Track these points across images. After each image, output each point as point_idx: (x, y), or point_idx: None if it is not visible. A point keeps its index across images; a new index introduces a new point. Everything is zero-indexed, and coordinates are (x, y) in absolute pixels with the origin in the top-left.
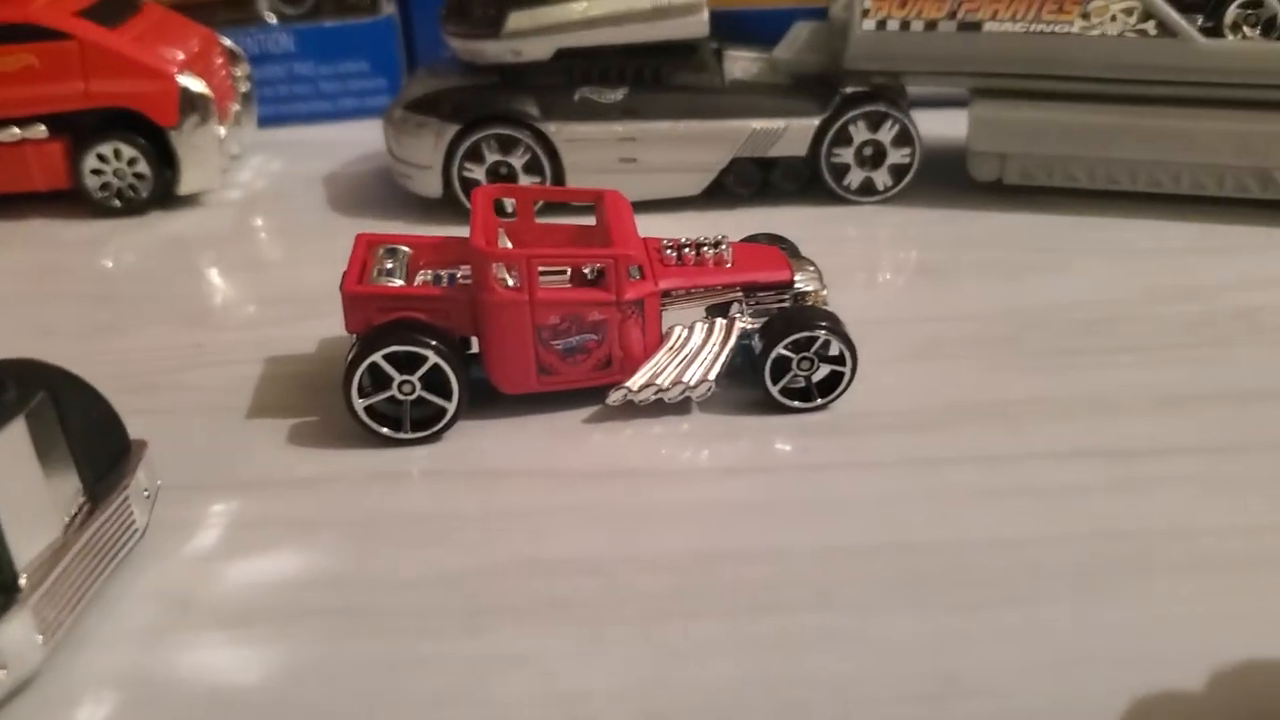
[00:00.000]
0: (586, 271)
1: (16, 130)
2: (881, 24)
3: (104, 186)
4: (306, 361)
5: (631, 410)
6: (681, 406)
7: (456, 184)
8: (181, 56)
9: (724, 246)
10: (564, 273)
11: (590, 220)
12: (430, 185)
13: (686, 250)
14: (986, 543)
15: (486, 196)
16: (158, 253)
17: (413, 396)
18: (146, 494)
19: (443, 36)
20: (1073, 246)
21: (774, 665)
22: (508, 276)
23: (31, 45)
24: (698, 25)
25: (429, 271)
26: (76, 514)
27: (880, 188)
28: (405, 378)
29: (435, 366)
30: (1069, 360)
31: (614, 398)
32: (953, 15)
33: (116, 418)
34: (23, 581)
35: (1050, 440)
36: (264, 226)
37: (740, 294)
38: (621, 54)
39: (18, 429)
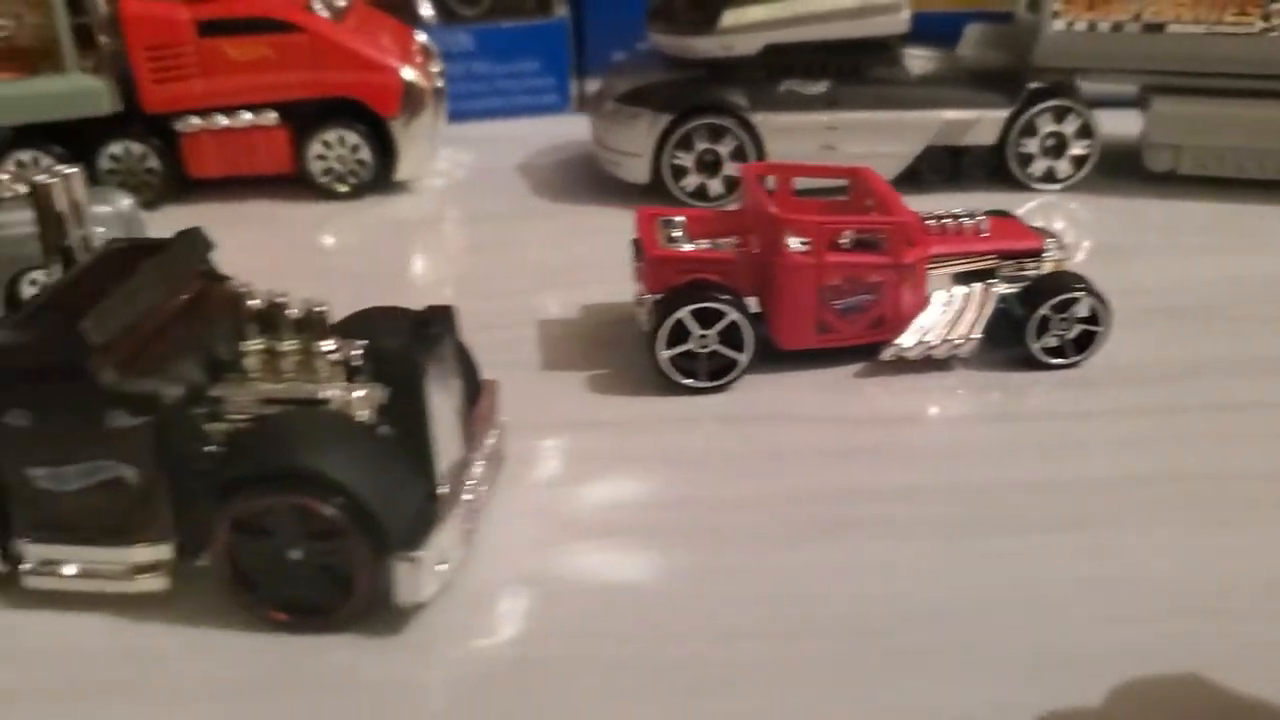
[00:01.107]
0: (843, 240)
1: (249, 116)
2: (1070, 24)
3: (326, 171)
4: (575, 324)
5: (899, 366)
6: (944, 363)
7: (666, 170)
8: (398, 50)
9: (980, 218)
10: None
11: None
12: (638, 172)
13: (946, 221)
14: (1239, 474)
15: (755, 172)
16: (386, 232)
17: (708, 350)
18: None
19: (649, 35)
20: (1252, 230)
21: (1052, 570)
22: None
23: (266, 36)
24: (899, 23)
25: (703, 240)
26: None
27: (1061, 176)
28: (703, 332)
29: (733, 323)
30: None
31: (888, 353)
32: (1137, 17)
33: (473, 358)
34: (443, 491)
35: None
36: (476, 210)
37: (996, 261)
38: (823, 49)
39: (447, 351)
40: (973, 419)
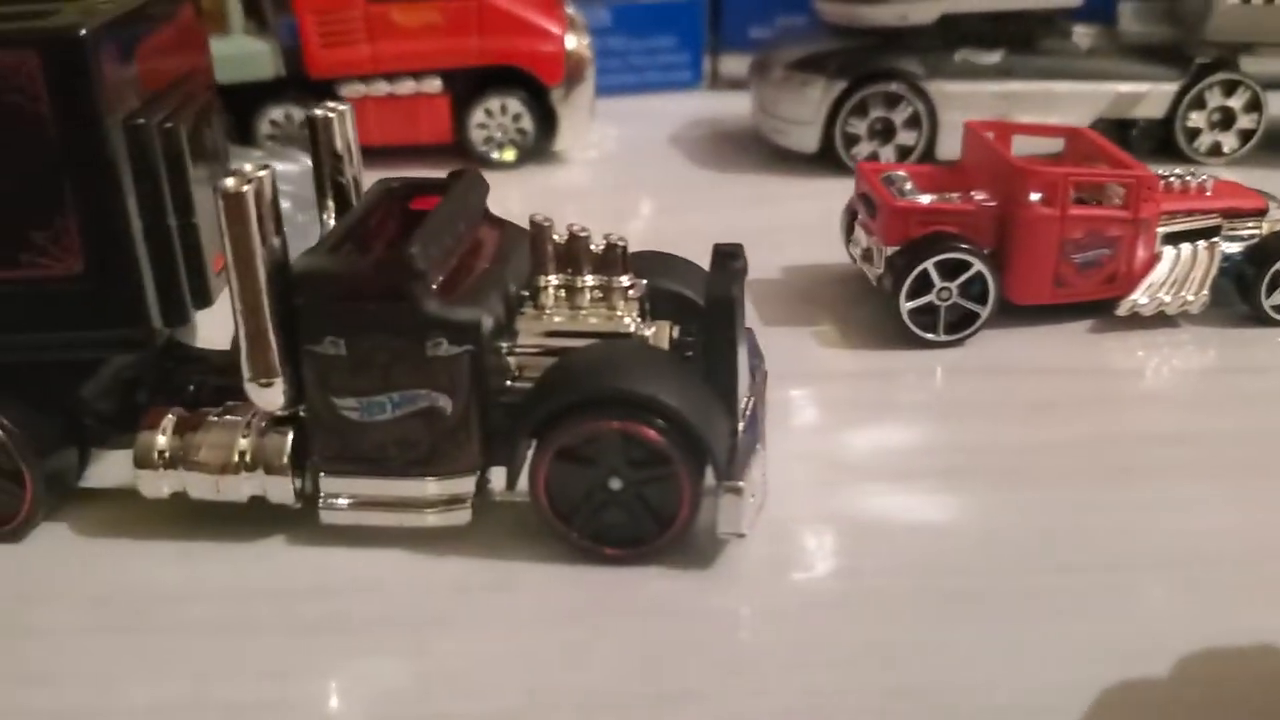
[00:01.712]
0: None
1: (412, 83)
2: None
3: (486, 140)
4: (782, 285)
5: (1130, 321)
6: (1171, 319)
7: (838, 137)
8: (556, 20)
9: (1205, 178)
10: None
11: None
12: (807, 140)
13: (1171, 179)
14: None
15: (980, 129)
16: (555, 200)
17: (949, 302)
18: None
19: (816, 4)
20: None
21: None
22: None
23: (435, 2)
24: None
25: (929, 195)
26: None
27: (1226, 150)
28: (945, 284)
29: (978, 274)
30: None
31: (1123, 308)
32: None
33: None
34: (743, 426)
35: None
36: (639, 180)
37: (1220, 220)
38: (996, 19)
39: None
40: (1215, 371)
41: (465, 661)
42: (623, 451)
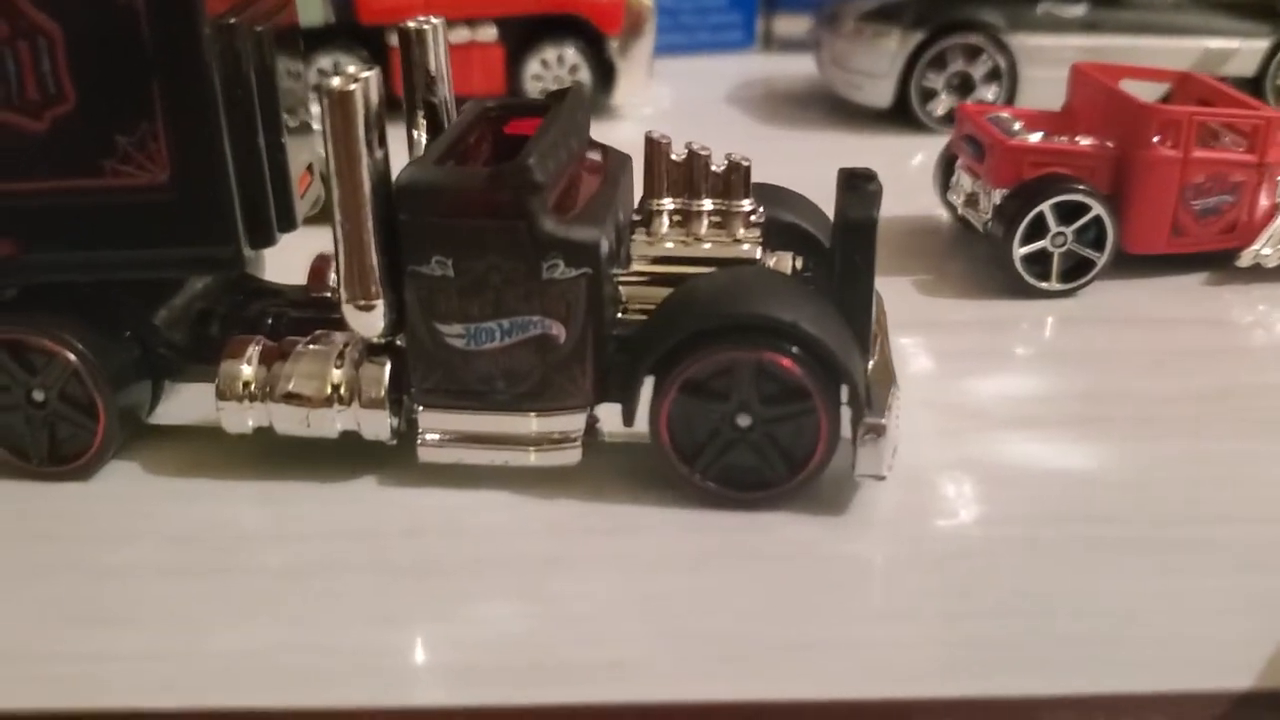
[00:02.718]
0: None
1: (466, 31)
2: None
3: (542, 91)
4: None
5: (1246, 274)
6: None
7: (915, 92)
8: None
9: None
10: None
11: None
12: (881, 94)
13: None
14: None
15: (1091, 71)
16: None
17: (1064, 248)
18: None
19: None
20: None
21: None
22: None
23: None
24: None
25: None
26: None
27: None
28: (1060, 229)
29: (1096, 218)
30: None
31: (1245, 259)
32: None
33: None
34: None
35: None
36: (701, 136)
37: None
38: None
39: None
40: None
41: (586, 606)
42: (755, 385)
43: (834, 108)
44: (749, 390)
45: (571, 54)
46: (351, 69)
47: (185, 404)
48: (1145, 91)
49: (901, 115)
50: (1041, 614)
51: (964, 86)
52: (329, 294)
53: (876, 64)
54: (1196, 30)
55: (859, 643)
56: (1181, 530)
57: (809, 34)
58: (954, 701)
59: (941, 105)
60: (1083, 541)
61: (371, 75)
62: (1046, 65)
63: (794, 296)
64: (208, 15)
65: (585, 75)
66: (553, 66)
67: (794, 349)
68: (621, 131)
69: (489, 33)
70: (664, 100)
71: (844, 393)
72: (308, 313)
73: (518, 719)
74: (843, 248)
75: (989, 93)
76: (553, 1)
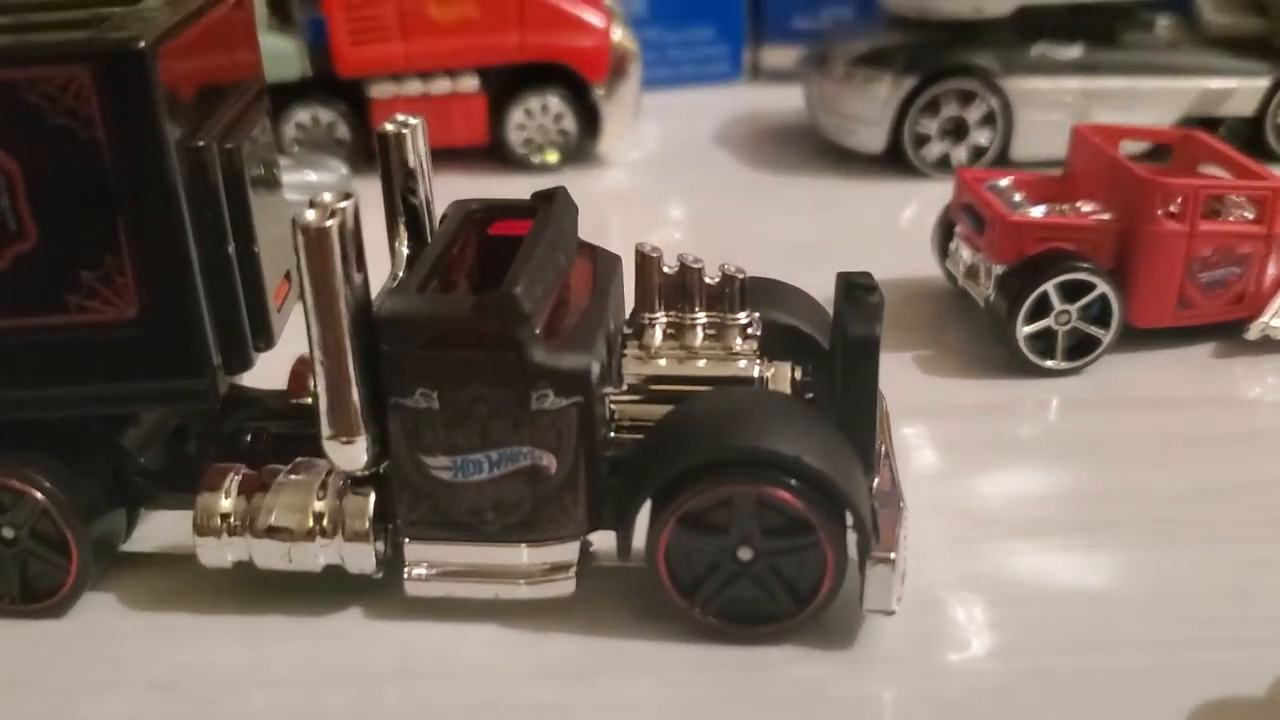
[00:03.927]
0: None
1: (448, 82)
2: None
3: (526, 142)
4: None
5: (1253, 346)
6: None
7: (907, 137)
8: (596, 12)
9: None
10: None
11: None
12: (873, 140)
13: None
14: None
15: (1090, 134)
16: (605, 207)
17: (1068, 326)
18: None
19: None
20: None
21: None
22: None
23: None
24: None
25: (1038, 206)
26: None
27: None
28: (1064, 307)
29: (1101, 296)
30: None
31: (1253, 331)
32: None
33: None
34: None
35: None
36: (688, 184)
37: None
38: (1075, 11)
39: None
40: None
41: None
42: (756, 518)
43: (824, 147)
44: (750, 523)
45: (555, 102)
46: (327, 198)
47: (161, 528)
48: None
49: (893, 158)
50: None
51: (958, 131)
52: (310, 400)
53: (868, 110)
54: (1194, 70)
55: None
56: (1197, 656)
57: (797, 65)
58: None
59: (935, 150)
60: (1098, 674)
61: (348, 206)
62: (1042, 108)
63: (795, 425)
64: (175, 137)
65: (570, 123)
66: (536, 115)
67: (794, 481)
68: (608, 179)
69: (471, 83)
70: (650, 142)
71: (849, 518)
72: (288, 425)
73: None
74: (845, 364)
75: (983, 136)
76: (535, 50)
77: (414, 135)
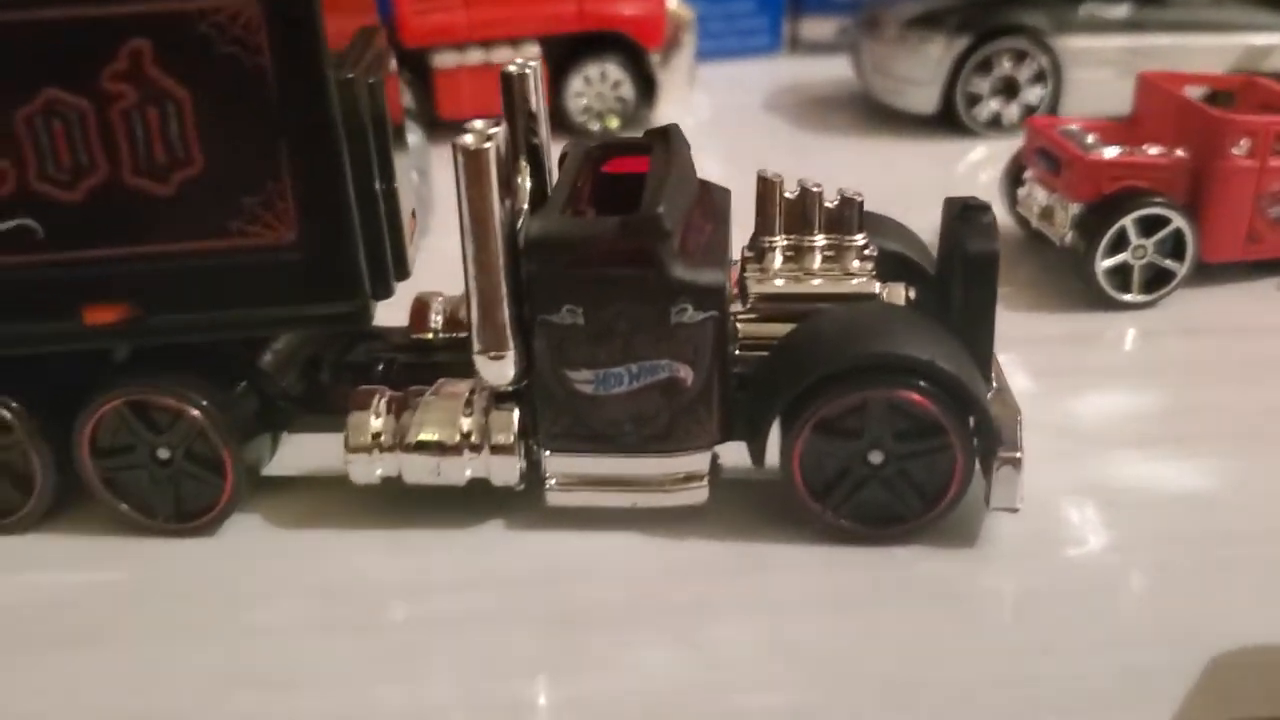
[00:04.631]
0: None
1: (509, 51)
2: None
3: (585, 109)
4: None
5: None
6: None
7: (960, 97)
8: None
9: None
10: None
11: None
12: (926, 100)
13: None
14: None
15: (1157, 81)
16: None
17: (1144, 260)
18: None
19: None
20: None
21: None
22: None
23: None
24: None
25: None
26: None
27: None
28: (1141, 241)
29: (1176, 230)
30: None
31: None
32: None
33: None
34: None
35: None
36: (747, 148)
37: None
38: None
39: None
40: None
41: (743, 651)
42: (888, 423)
43: (869, 112)
44: (882, 428)
45: (613, 69)
46: (480, 124)
47: (298, 454)
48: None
49: (944, 119)
50: (1189, 641)
51: (1008, 90)
52: (431, 336)
53: (921, 70)
54: (1239, 26)
55: (1028, 679)
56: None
57: (837, 37)
58: None
59: (987, 110)
60: (1215, 563)
61: (501, 130)
62: (1091, 66)
63: (923, 333)
64: (331, 69)
65: (628, 90)
66: (595, 83)
67: (926, 385)
68: None
69: (532, 52)
70: (703, 110)
71: (972, 424)
72: (414, 356)
73: None
74: (965, 280)
75: (1033, 95)
76: (593, 19)
77: (535, 77)
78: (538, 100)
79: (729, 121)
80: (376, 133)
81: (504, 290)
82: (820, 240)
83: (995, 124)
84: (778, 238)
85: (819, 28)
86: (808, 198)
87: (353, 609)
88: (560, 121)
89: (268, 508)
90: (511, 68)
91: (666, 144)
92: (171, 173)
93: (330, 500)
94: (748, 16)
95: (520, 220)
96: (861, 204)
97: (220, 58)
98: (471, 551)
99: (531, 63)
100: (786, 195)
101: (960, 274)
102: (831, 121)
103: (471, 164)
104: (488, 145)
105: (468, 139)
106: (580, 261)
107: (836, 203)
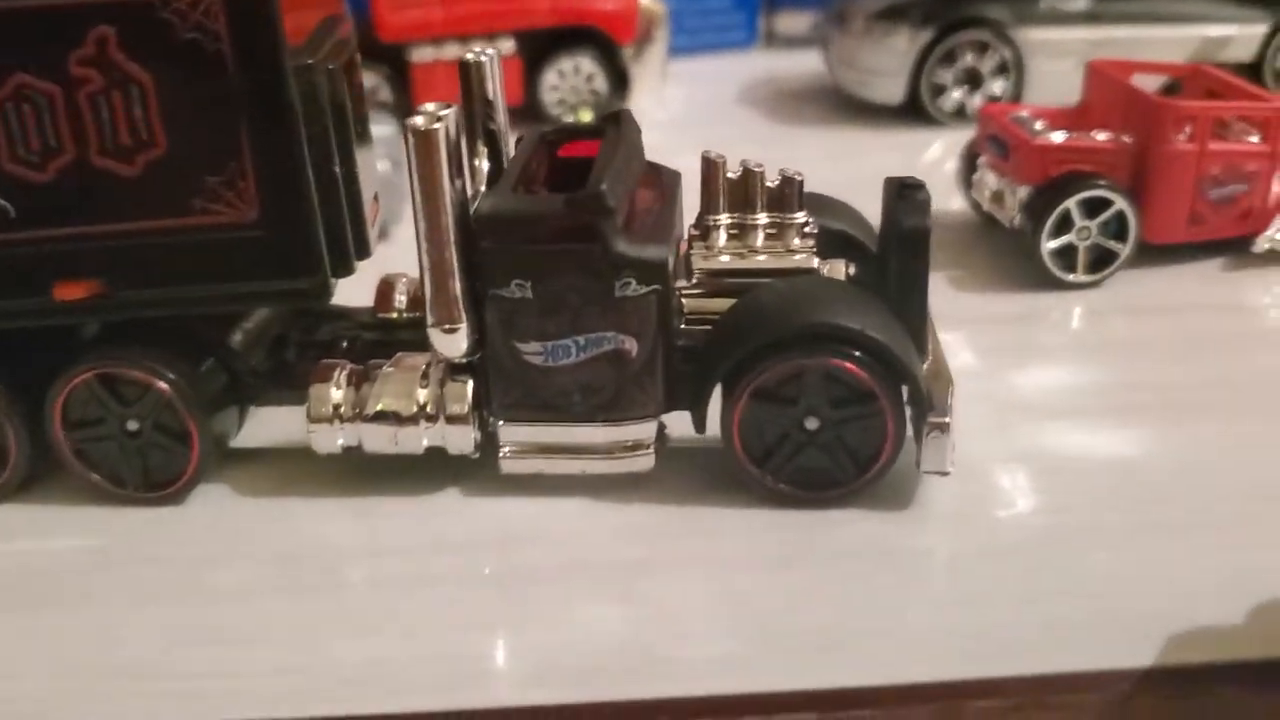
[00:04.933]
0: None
1: (485, 46)
2: None
3: (559, 102)
4: None
5: (1261, 258)
6: None
7: (925, 88)
8: None
9: None
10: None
11: None
12: (892, 91)
13: None
14: None
15: (1106, 68)
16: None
17: (1089, 241)
18: None
19: None
20: None
21: None
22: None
23: None
24: None
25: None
26: None
27: None
28: (1086, 223)
29: (1119, 212)
30: None
31: (1260, 244)
32: None
33: None
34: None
35: None
36: (718, 139)
37: None
38: None
39: None
40: None
41: (680, 606)
42: (823, 390)
43: (841, 104)
44: (817, 395)
45: (587, 63)
46: (431, 107)
47: (263, 427)
48: (1153, 82)
49: (911, 110)
50: (1112, 594)
51: (973, 81)
52: (395, 315)
53: (887, 62)
54: (1196, 18)
55: (943, 629)
56: (1229, 507)
57: (811, 31)
58: (1038, 677)
59: (951, 100)
60: (1140, 525)
61: (451, 113)
62: (1053, 57)
63: (856, 303)
64: (289, 55)
65: (601, 83)
66: (569, 76)
67: (859, 354)
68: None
69: (507, 46)
70: (676, 103)
71: (905, 392)
72: (378, 335)
73: (637, 713)
74: (899, 255)
75: (997, 86)
76: (567, 14)
77: (491, 65)
78: (495, 87)
79: (701, 114)
80: (335, 116)
81: (455, 265)
82: (763, 219)
83: (960, 114)
84: (722, 216)
85: (794, 22)
86: (749, 178)
87: (311, 571)
88: (535, 113)
89: (234, 478)
90: (469, 56)
91: (618, 128)
92: (136, 154)
93: (295, 470)
94: (724, 12)
95: (474, 199)
96: (801, 183)
97: (182, 44)
98: (429, 516)
99: (489, 51)
100: (729, 175)
101: (895, 249)
102: (803, 113)
103: (421, 143)
104: (437, 126)
105: (418, 120)
106: (528, 237)
107: (777, 182)
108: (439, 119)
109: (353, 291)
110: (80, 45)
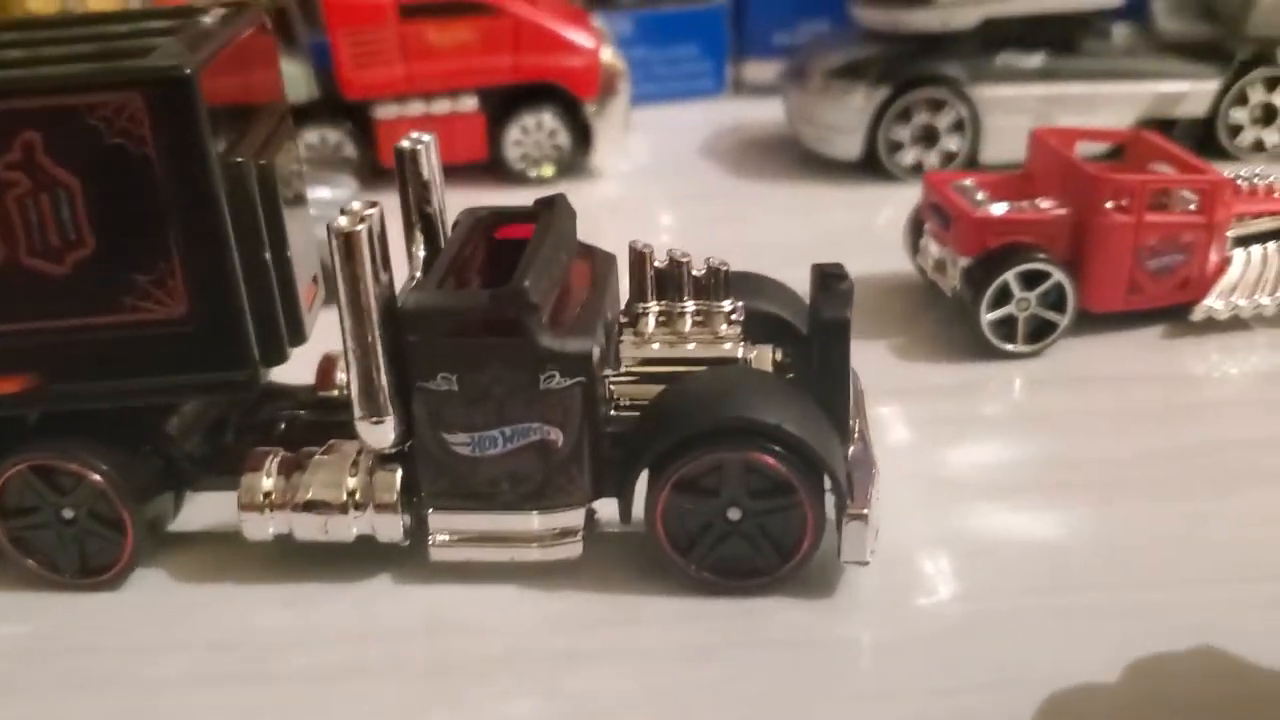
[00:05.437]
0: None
1: (448, 103)
2: None
3: (522, 156)
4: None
5: (1200, 327)
6: (1244, 323)
7: (882, 144)
8: (586, 33)
9: (1273, 178)
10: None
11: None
12: (850, 147)
13: (1240, 181)
14: None
15: (1046, 136)
16: (601, 215)
17: (1028, 312)
18: None
19: (854, 9)
20: None
21: None
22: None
23: (468, 20)
24: None
25: (1000, 204)
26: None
27: (1269, 145)
28: (1025, 294)
29: (1057, 284)
30: None
31: (1198, 313)
32: None
33: None
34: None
35: None
36: (679, 192)
37: None
38: (1037, 22)
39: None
40: None
41: (608, 700)
42: (744, 482)
43: (803, 156)
44: (738, 486)
45: (549, 119)
46: (356, 206)
47: (203, 510)
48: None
49: (869, 165)
50: (1020, 685)
51: (929, 137)
52: (336, 393)
53: (844, 119)
54: (1150, 75)
55: None
56: (1156, 594)
57: (777, 79)
58: None
59: (909, 157)
60: (1055, 612)
61: (374, 212)
62: (1008, 114)
63: (776, 397)
64: (217, 153)
65: (563, 138)
66: (532, 132)
67: (778, 448)
68: (601, 190)
69: (470, 103)
70: (640, 154)
71: (827, 481)
72: (317, 414)
73: None
74: (820, 345)
75: (953, 142)
76: (529, 71)
77: (428, 151)
78: (431, 170)
79: (664, 166)
80: (267, 208)
81: (380, 360)
82: (690, 306)
83: (918, 170)
84: (651, 303)
85: (762, 70)
86: (676, 268)
87: (244, 662)
88: (499, 169)
89: (170, 563)
90: (404, 143)
91: (550, 213)
92: (65, 254)
93: (228, 555)
94: (691, 61)
95: (402, 292)
96: (727, 273)
97: (107, 148)
98: (359, 603)
99: (425, 137)
100: (657, 264)
101: (815, 338)
102: (764, 167)
103: (344, 244)
104: (360, 227)
105: (342, 221)
106: (453, 331)
107: (704, 271)
108: (363, 219)
109: (297, 368)
110: (7, 150)
